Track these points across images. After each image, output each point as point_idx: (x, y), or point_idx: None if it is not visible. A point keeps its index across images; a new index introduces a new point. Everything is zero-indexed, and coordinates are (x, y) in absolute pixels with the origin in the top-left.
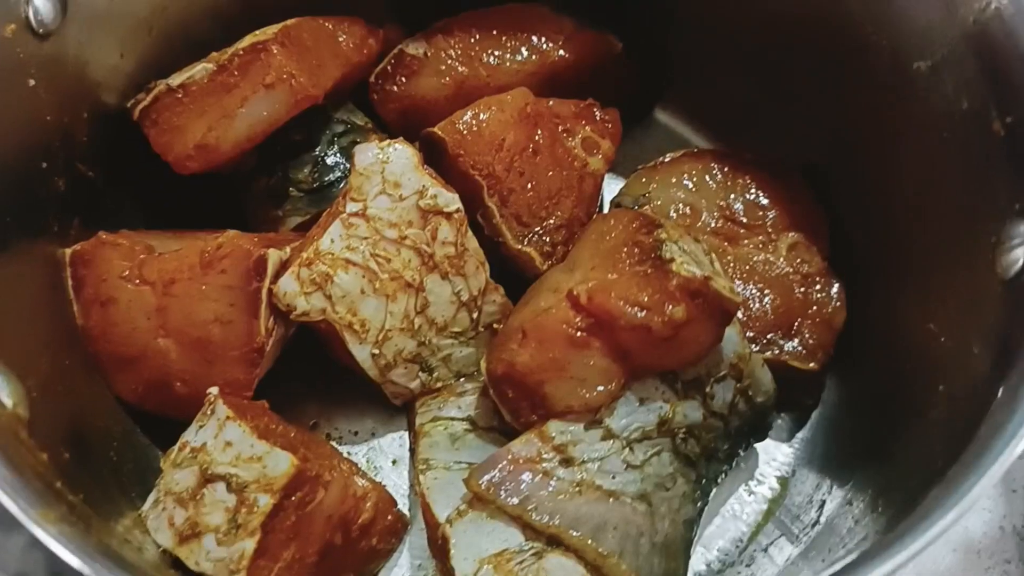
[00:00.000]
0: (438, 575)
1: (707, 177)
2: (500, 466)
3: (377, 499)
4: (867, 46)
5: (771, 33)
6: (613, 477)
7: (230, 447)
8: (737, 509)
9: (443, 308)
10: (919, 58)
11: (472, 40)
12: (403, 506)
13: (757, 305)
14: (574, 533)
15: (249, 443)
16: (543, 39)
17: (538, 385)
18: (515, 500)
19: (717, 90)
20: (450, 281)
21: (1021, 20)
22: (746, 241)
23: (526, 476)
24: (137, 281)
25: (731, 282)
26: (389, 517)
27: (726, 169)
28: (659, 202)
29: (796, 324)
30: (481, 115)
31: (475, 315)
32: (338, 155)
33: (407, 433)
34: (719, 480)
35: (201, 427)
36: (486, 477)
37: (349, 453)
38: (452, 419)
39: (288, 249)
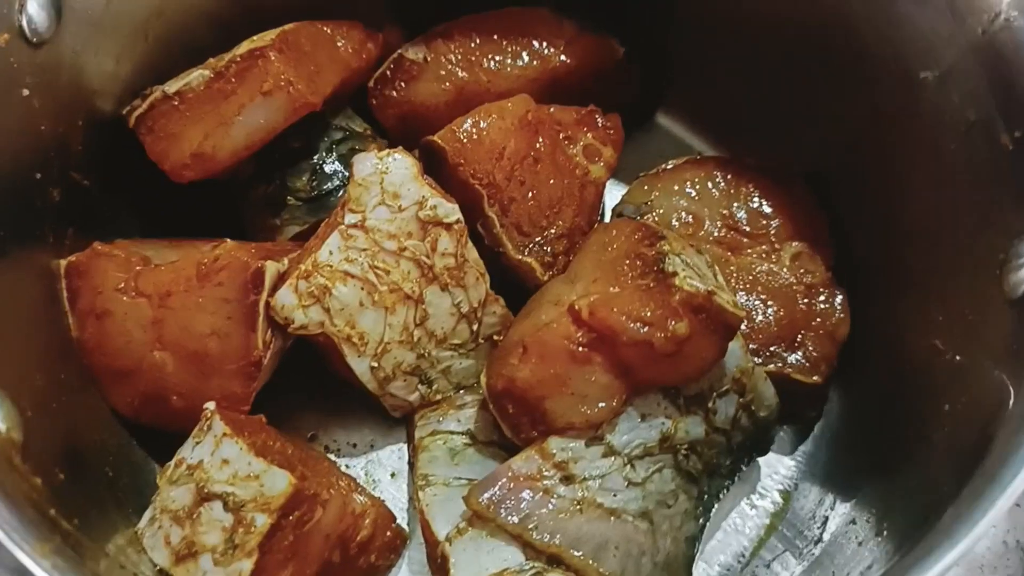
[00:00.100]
0: None
1: (710, 185)
2: (500, 483)
3: (376, 516)
4: (871, 54)
5: (774, 37)
6: (614, 495)
7: (227, 465)
8: (739, 523)
9: (443, 320)
10: (925, 68)
11: (472, 44)
12: (402, 520)
13: (760, 317)
14: (576, 553)
15: (246, 461)
16: (544, 44)
17: (539, 401)
18: (515, 518)
19: (719, 95)
20: (450, 293)
21: None
22: (749, 250)
23: (526, 494)
24: (133, 293)
25: (734, 295)
26: (388, 533)
27: (729, 176)
28: (661, 210)
29: (799, 336)
30: (481, 123)
31: (475, 327)
32: (336, 163)
33: (406, 445)
34: (721, 495)
35: (198, 443)
36: (486, 495)
37: (347, 466)
38: (451, 433)
39: (286, 261)
